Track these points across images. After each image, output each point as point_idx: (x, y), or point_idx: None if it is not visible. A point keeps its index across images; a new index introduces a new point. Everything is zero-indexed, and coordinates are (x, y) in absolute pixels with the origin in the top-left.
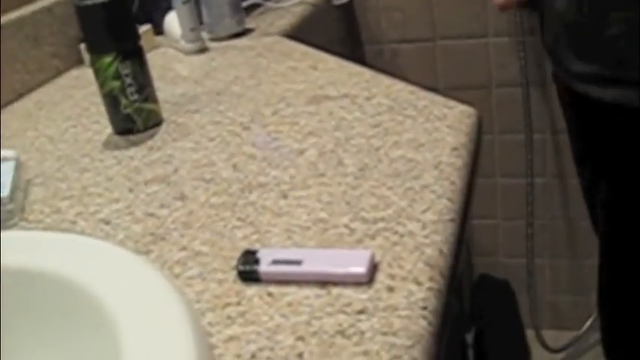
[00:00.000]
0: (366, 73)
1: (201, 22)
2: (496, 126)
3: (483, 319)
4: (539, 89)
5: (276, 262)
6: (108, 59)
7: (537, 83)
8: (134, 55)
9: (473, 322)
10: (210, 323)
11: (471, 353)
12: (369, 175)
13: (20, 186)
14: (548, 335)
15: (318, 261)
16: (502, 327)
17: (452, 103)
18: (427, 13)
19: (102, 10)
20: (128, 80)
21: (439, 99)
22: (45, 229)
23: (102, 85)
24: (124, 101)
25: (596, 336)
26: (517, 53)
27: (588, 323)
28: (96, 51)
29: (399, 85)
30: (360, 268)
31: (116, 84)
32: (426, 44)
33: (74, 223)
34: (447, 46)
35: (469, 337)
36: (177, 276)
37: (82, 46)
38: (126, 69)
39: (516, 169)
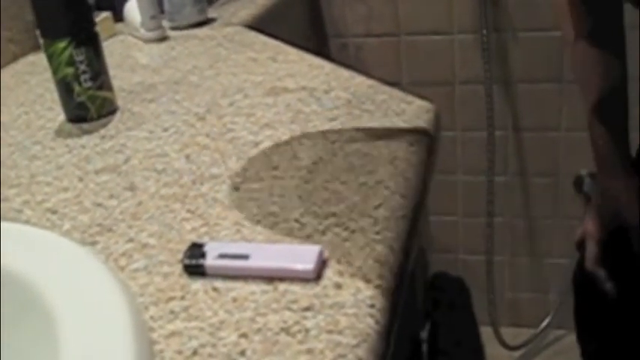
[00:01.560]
0: (327, 66)
1: (162, 11)
2: (458, 123)
3: (438, 316)
4: (502, 87)
5: (222, 256)
6: (62, 44)
7: (500, 81)
8: (89, 41)
9: (427, 319)
10: (152, 317)
11: (425, 349)
12: (323, 169)
13: None
14: (507, 333)
15: (265, 256)
16: (457, 324)
17: (410, 98)
18: (392, 8)
19: None
20: (82, 67)
21: (398, 94)
22: None
23: (55, 71)
24: (77, 88)
25: (554, 334)
26: (481, 51)
27: (546, 321)
28: (49, 35)
29: (358, 79)
30: (308, 265)
31: (70, 70)
32: (391, 39)
33: (20, 212)
34: (412, 42)
35: (423, 334)
36: (122, 268)
37: (38, 31)
38: (80, 55)
39: (478, 166)
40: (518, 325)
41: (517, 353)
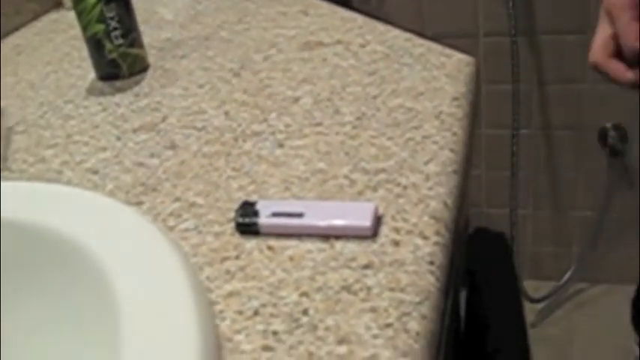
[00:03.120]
0: (359, 19)
1: None
2: (482, 75)
3: (478, 274)
4: (527, 40)
5: (276, 214)
6: (92, 1)
7: (525, 33)
8: None
9: (467, 277)
10: (208, 278)
11: (463, 307)
12: (368, 124)
13: (2, 134)
14: (529, 285)
15: (320, 214)
16: (497, 282)
17: (449, 51)
18: None
19: None
20: (113, 24)
21: (436, 47)
22: (29, 179)
23: (85, 28)
24: (108, 45)
25: (576, 286)
26: (506, 2)
27: (568, 274)
28: None
29: (394, 32)
30: (365, 222)
31: (100, 27)
32: None
33: (60, 172)
34: None
35: (463, 293)
36: (171, 229)
37: None
38: (111, 12)
39: (502, 119)
40: (540, 277)
41: (539, 306)
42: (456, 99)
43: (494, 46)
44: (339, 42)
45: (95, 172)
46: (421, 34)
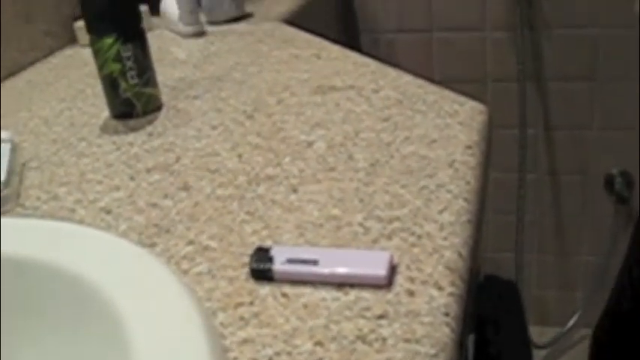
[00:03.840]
0: (372, 64)
1: (199, 5)
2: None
3: (488, 323)
4: (534, 85)
5: (290, 260)
6: (109, 41)
7: (533, 79)
8: (136, 37)
9: (479, 324)
10: (222, 324)
11: (471, 353)
12: (381, 171)
13: (16, 170)
14: (534, 331)
15: (334, 261)
16: (507, 331)
17: (462, 98)
18: (425, 3)
19: None
20: (129, 63)
21: (449, 94)
22: (42, 216)
23: (101, 67)
24: (123, 84)
25: (581, 332)
26: (514, 48)
27: (573, 320)
28: (97, 32)
29: (406, 78)
30: (380, 271)
31: (116, 67)
32: (423, 35)
33: (73, 211)
34: (444, 38)
35: (470, 340)
36: (185, 272)
37: (76, 24)
38: (127, 51)
39: (509, 163)
40: (545, 323)
41: (544, 352)
42: (469, 147)
43: (502, 92)
44: (351, 87)
45: (108, 212)
46: (431, 80)
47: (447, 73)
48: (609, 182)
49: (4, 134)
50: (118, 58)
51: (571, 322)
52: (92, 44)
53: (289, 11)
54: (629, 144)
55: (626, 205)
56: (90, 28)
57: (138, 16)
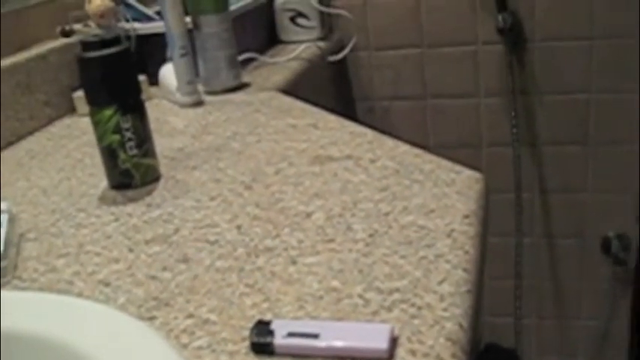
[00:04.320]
0: (369, 133)
1: (196, 75)
2: None
3: None
4: (528, 149)
5: (291, 334)
6: (108, 112)
7: (527, 143)
8: (135, 109)
9: None
10: None
11: None
12: (380, 241)
13: (13, 241)
14: None
15: (335, 335)
16: None
17: (459, 167)
18: (419, 71)
19: (104, 63)
20: (128, 134)
21: (446, 163)
22: (40, 289)
23: (101, 138)
24: (122, 155)
25: None
26: (508, 113)
27: None
28: (96, 103)
29: (403, 148)
30: (381, 344)
31: (116, 138)
32: (418, 102)
33: (71, 283)
34: (438, 105)
35: None
36: (184, 346)
37: (75, 94)
38: (126, 123)
39: (505, 228)
40: None
41: None
42: (467, 216)
43: (497, 156)
44: (349, 157)
45: (107, 285)
46: (426, 146)
47: (442, 138)
48: (606, 245)
49: (2, 205)
50: (118, 130)
51: None
52: (92, 115)
53: (285, 80)
54: (624, 207)
55: (623, 267)
56: (90, 100)
57: (137, 88)
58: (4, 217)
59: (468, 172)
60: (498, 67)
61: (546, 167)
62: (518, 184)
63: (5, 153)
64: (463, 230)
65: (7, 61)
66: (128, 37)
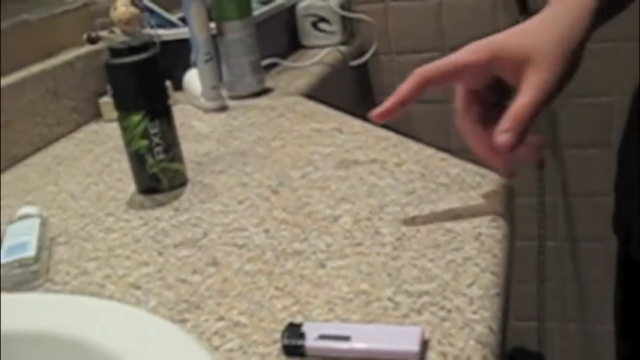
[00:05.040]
0: (393, 137)
1: (220, 80)
2: None
3: None
4: (551, 152)
5: (322, 337)
6: (137, 118)
7: (550, 146)
8: (163, 114)
9: None
10: None
11: None
12: (408, 245)
13: (45, 245)
14: None
15: (366, 337)
16: None
17: (484, 171)
18: None
19: (132, 69)
20: (156, 139)
21: (471, 167)
22: (72, 292)
23: (129, 143)
24: (150, 160)
25: None
26: None
27: None
28: (124, 109)
29: (428, 151)
30: (412, 346)
31: (144, 143)
32: (440, 105)
33: (102, 286)
34: None
35: None
36: (216, 348)
37: (101, 100)
38: (154, 128)
39: (528, 232)
40: None
41: None
42: (493, 220)
43: None
44: (374, 160)
45: (138, 288)
46: (441, 148)
47: (464, 142)
48: None
49: (34, 209)
50: (146, 135)
51: None
52: (120, 121)
53: (308, 85)
54: None
55: None
56: (118, 105)
57: (165, 93)
58: (36, 222)
59: (493, 176)
60: None
61: (570, 170)
62: (542, 187)
63: (33, 159)
64: (490, 233)
65: (35, 68)
66: (153, 44)
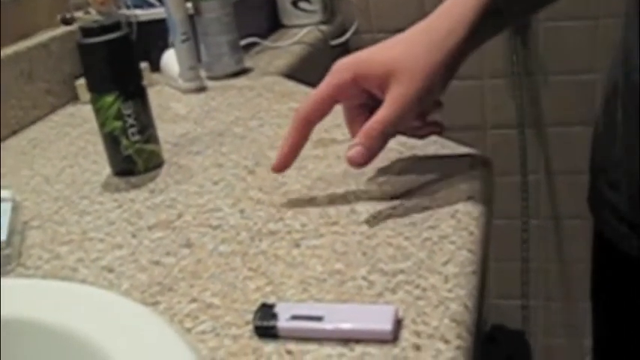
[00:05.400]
0: None
1: (198, 61)
2: None
3: None
4: (534, 131)
5: (295, 317)
6: (110, 99)
7: (532, 125)
8: (137, 95)
9: None
10: None
11: None
12: (384, 224)
13: (17, 229)
14: None
15: (339, 317)
16: None
17: (463, 148)
18: None
19: (104, 48)
20: (130, 121)
21: (449, 144)
22: (44, 276)
23: (102, 124)
24: (124, 142)
25: None
26: (512, 95)
27: None
28: (97, 90)
29: None
30: (385, 325)
31: (117, 124)
32: None
33: (75, 270)
34: None
35: None
36: (188, 330)
37: (77, 82)
38: (128, 109)
39: (511, 210)
40: None
41: None
42: (471, 197)
43: (502, 138)
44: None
45: (111, 271)
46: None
47: (445, 120)
48: None
49: (6, 193)
50: (119, 116)
51: None
52: (93, 102)
53: (288, 65)
54: None
55: None
56: (91, 87)
57: (138, 74)
58: (8, 206)
59: (471, 153)
60: (503, 48)
61: (552, 149)
62: (524, 166)
63: (8, 142)
64: (467, 211)
65: (9, 50)
66: (129, 24)
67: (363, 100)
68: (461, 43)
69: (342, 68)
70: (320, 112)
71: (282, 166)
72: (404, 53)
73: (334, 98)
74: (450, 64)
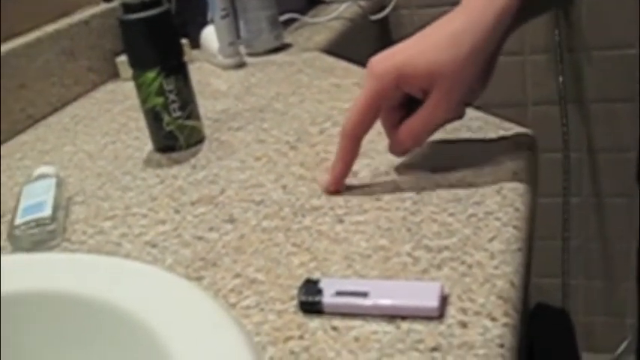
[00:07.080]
0: None
1: (238, 37)
2: None
3: (539, 354)
4: (576, 107)
5: (340, 293)
6: (152, 75)
7: (574, 101)
8: (178, 70)
9: (531, 354)
10: (272, 358)
11: None
12: (428, 199)
13: (62, 205)
14: (582, 358)
15: (384, 293)
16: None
17: (507, 124)
18: None
19: (146, 25)
20: (172, 96)
21: (493, 120)
22: (89, 251)
23: (144, 100)
24: (166, 118)
25: (631, 359)
26: (554, 71)
27: (623, 346)
28: (139, 66)
29: None
30: (432, 302)
31: (159, 100)
32: None
33: (119, 245)
34: None
35: None
36: (233, 305)
37: (118, 59)
38: (170, 85)
39: (552, 188)
40: (594, 350)
41: None
42: (516, 173)
43: (543, 115)
44: None
45: (154, 246)
46: (471, 105)
47: (487, 97)
48: None
49: (50, 169)
50: (161, 92)
51: (620, 349)
52: (135, 78)
53: (327, 40)
54: None
55: None
56: (132, 62)
57: (180, 50)
58: (53, 182)
59: (516, 129)
60: (544, 22)
61: (594, 125)
62: (566, 143)
63: (51, 119)
64: (513, 187)
65: (50, 28)
66: (169, 0)
67: (400, 100)
68: (504, 36)
69: (383, 72)
70: (366, 124)
71: (336, 187)
72: (448, 57)
73: (379, 106)
74: (493, 63)
